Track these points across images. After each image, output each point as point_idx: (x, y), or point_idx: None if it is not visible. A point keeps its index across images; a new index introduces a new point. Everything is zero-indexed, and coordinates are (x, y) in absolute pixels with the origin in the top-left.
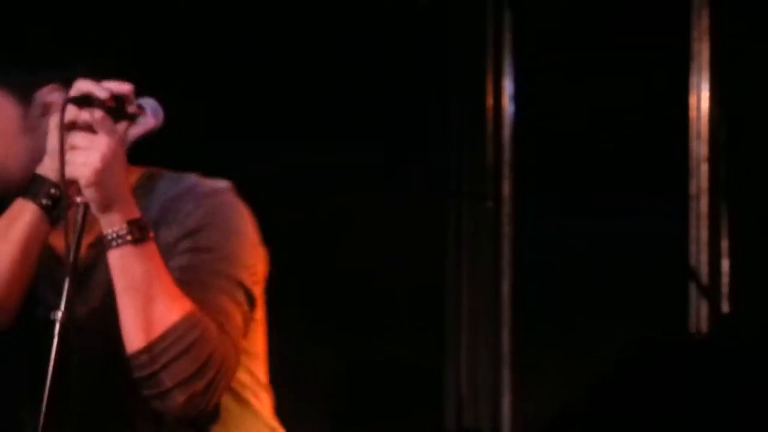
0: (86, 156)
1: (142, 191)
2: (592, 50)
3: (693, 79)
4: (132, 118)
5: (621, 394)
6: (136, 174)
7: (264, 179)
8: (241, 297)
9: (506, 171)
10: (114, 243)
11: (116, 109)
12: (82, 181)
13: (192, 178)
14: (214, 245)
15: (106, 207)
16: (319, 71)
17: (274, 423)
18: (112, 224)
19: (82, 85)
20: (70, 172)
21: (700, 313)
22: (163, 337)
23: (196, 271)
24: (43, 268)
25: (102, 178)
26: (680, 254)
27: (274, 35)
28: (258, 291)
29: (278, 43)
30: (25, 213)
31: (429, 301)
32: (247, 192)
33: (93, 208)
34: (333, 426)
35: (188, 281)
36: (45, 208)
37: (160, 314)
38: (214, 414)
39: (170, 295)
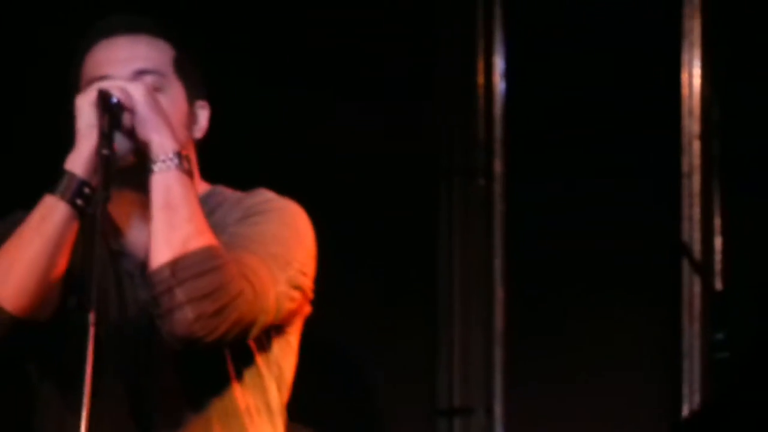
0: (130, 83)
1: (204, 200)
2: (583, 26)
3: (684, 56)
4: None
5: (614, 371)
6: (203, 186)
7: (255, 160)
8: (279, 275)
9: (498, 148)
10: (161, 166)
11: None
12: (138, 94)
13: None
14: (270, 228)
15: (158, 129)
16: (311, 52)
17: None
18: (162, 148)
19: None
20: (122, 92)
21: (692, 291)
22: (186, 256)
23: (243, 238)
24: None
25: (152, 98)
26: (673, 232)
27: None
28: (308, 287)
29: (268, 17)
30: (56, 211)
31: (420, 279)
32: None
33: (143, 132)
34: (325, 403)
35: (231, 243)
36: (77, 208)
37: (188, 236)
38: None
39: (201, 225)
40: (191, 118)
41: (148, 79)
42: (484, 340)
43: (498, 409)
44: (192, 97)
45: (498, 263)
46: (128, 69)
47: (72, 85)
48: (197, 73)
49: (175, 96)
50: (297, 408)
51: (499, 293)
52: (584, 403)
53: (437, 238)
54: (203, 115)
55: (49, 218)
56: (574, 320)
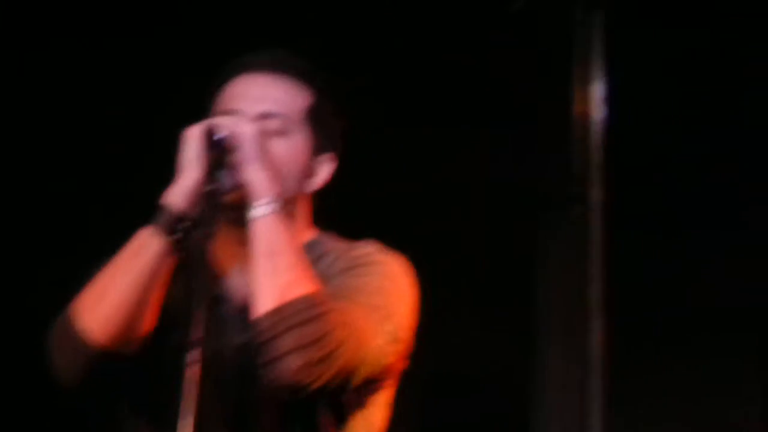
0: (242, 122)
1: (309, 248)
2: (687, 52)
3: None
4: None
5: (713, 399)
6: (310, 234)
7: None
8: (380, 327)
9: (594, 176)
10: (261, 210)
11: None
12: (246, 133)
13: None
14: (374, 280)
15: (259, 171)
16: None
17: None
18: (262, 190)
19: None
20: (230, 127)
21: None
22: (291, 303)
23: (346, 289)
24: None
25: (260, 140)
26: None
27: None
28: (407, 342)
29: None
30: (151, 245)
31: (518, 307)
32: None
33: (245, 172)
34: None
35: (335, 294)
36: (174, 243)
37: (292, 282)
38: None
39: (304, 271)
40: (310, 169)
41: (273, 122)
42: (580, 369)
43: None
44: (318, 148)
45: (595, 291)
46: (256, 109)
47: (206, 113)
48: (333, 125)
49: (296, 144)
50: None
51: (597, 321)
52: None
53: (535, 265)
54: (326, 168)
55: (144, 251)
56: (674, 348)
